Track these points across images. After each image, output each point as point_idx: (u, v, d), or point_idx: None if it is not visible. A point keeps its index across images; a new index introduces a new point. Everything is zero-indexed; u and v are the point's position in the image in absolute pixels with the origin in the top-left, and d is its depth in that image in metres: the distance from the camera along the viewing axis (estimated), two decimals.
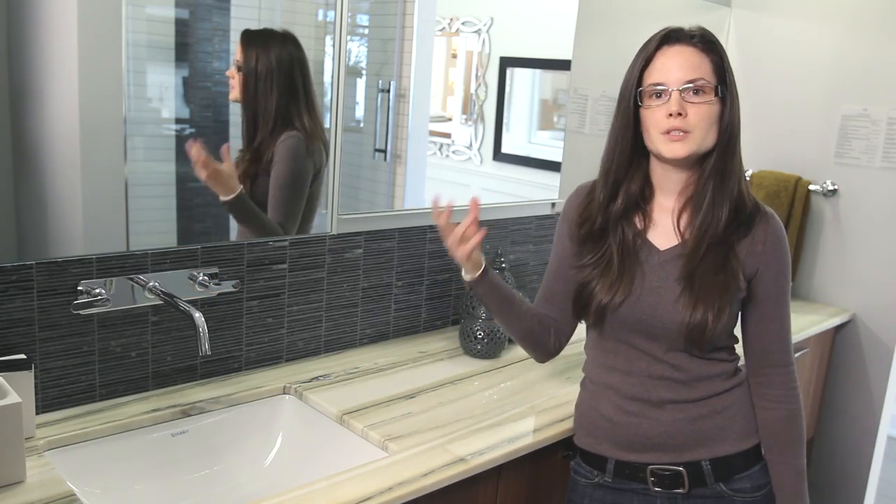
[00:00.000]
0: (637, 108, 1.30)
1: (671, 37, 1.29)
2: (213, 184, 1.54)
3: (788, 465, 1.36)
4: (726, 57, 1.30)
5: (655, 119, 1.27)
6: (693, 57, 1.27)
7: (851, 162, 2.48)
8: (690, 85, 1.25)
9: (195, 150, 1.49)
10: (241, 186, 1.56)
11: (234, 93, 1.55)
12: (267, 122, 1.58)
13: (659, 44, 1.29)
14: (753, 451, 1.36)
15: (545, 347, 1.48)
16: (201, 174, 1.51)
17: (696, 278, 1.29)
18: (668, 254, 1.34)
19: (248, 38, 1.54)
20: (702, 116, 1.26)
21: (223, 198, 1.55)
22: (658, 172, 1.35)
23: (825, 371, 2.56)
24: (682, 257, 1.32)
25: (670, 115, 1.25)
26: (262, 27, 1.58)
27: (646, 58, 1.29)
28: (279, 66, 1.57)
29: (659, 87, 1.26)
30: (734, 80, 1.30)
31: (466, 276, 1.39)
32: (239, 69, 1.53)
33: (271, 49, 1.57)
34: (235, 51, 1.54)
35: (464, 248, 1.33)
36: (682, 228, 1.34)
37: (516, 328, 1.46)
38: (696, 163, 1.31)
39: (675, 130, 1.25)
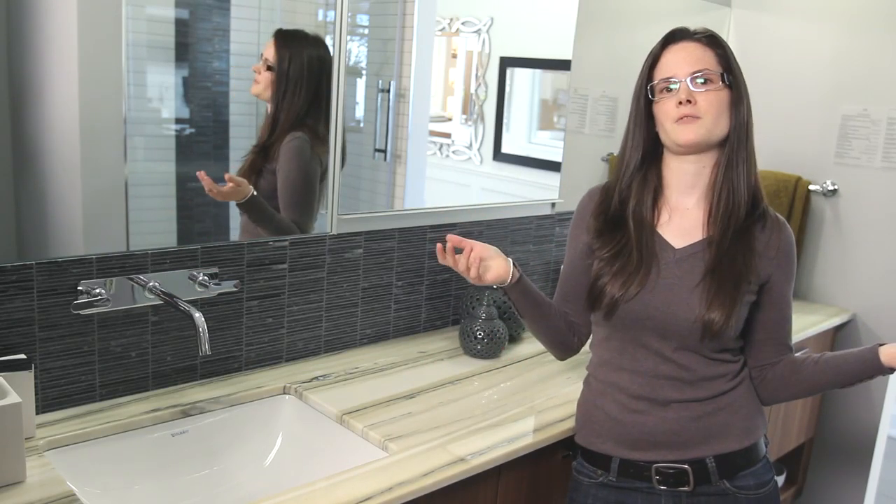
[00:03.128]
0: (649, 103, 1.35)
1: (676, 35, 1.35)
2: (228, 198, 1.57)
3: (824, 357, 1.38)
4: (731, 51, 1.35)
5: (666, 110, 1.32)
6: (697, 51, 1.32)
7: (851, 162, 2.48)
8: (697, 74, 1.30)
9: (207, 182, 1.53)
10: (253, 189, 1.57)
11: (257, 87, 1.56)
12: (287, 121, 1.61)
13: (665, 43, 1.35)
14: (756, 447, 1.37)
15: (568, 345, 1.51)
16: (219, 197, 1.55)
17: (717, 270, 1.31)
18: (683, 252, 1.35)
19: (283, 38, 1.56)
20: (711, 102, 1.30)
21: (237, 202, 1.58)
22: (672, 167, 1.37)
23: None
24: (700, 256, 1.34)
25: (680, 103, 1.30)
26: (294, 28, 1.61)
27: (654, 57, 1.35)
28: (310, 69, 1.59)
29: (668, 81, 1.31)
30: (742, 73, 1.34)
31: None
32: (269, 68, 1.55)
33: (304, 51, 1.58)
34: (265, 47, 1.56)
35: (472, 274, 1.35)
36: (707, 225, 1.36)
37: (544, 330, 1.47)
38: (707, 152, 1.34)
39: (686, 116, 1.30)
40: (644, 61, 1.37)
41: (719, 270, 1.31)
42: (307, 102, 1.61)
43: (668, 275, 1.33)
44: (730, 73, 1.32)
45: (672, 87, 1.31)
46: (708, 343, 1.31)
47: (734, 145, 1.33)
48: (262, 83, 1.56)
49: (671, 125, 1.31)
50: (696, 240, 1.35)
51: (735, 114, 1.32)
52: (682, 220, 1.37)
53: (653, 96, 1.34)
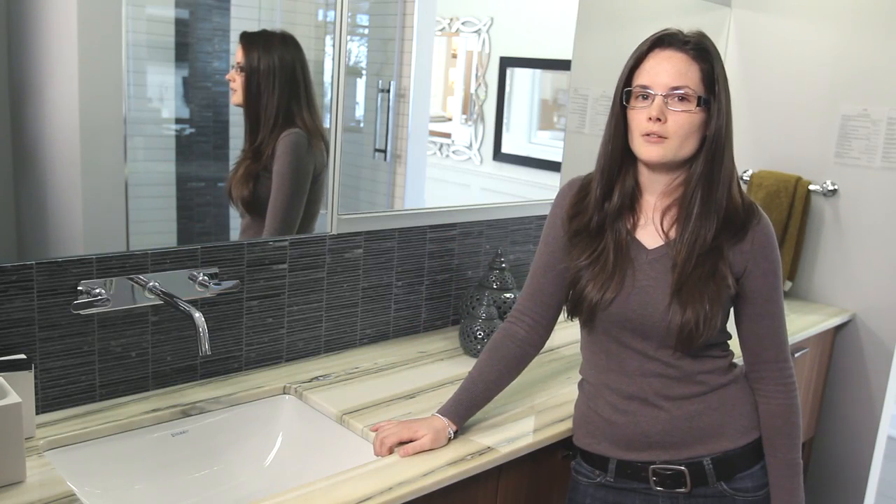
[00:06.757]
0: (624, 107, 1.31)
1: (664, 40, 1.29)
2: None
3: (778, 459, 1.36)
4: (719, 65, 1.29)
5: (638, 120, 1.29)
6: (681, 64, 1.27)
7: (851, 162, 2.48)
8: (675, 92, 1.26)
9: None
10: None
11: (236, 96, 1.55)
12: (268, 121, 1.59)
13: (651, 46, 1.29)
14: (754, 448, 1.37)
15: (528, 361, 1.49)
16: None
17: (686, 288, 1.29)
18: (655, 253, 1.34)
19: (249, 39, 1.55)
20: (681, 125, 1.26)
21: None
22: (644, 173, 1.36)
23: (825, 371, 2.56)
24: (669, 258, 1.32)
25: (650, 118, 1.26)
26: (260, 29, 1.58)
27: (637, 58, 1.31)
28: (282, 65, 1.58)
29: (645, 90, 1.27)
30: (726, 89, 1.29)
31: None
32: (241, 70, 1.53)
33: (273, 49, 1.57)
34: (235, 53, 1.54)
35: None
36: (665, 228, 1.34)
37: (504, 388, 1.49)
38: (679, 167, 1.32)
39: (653, 134, 1.27)
40: (628, 59, 1.32)
41: (687, 288, 1.28)
42: (286, 98, 1.60)
43: (642, 276, 1.32)
44: (711, 95, 1.27)
45: (648, 97, 1.27)
46: (685, 347, 1.30)
47: (709, 166, 1.29)
48: (239, 89, 1.55)
49: (637, 137, 1.29)
50: (661, 242, 1.34)
51: (712, 136, 1.28)
52: (654, 221, 1.36)
53: (627, 102, 1.30)
